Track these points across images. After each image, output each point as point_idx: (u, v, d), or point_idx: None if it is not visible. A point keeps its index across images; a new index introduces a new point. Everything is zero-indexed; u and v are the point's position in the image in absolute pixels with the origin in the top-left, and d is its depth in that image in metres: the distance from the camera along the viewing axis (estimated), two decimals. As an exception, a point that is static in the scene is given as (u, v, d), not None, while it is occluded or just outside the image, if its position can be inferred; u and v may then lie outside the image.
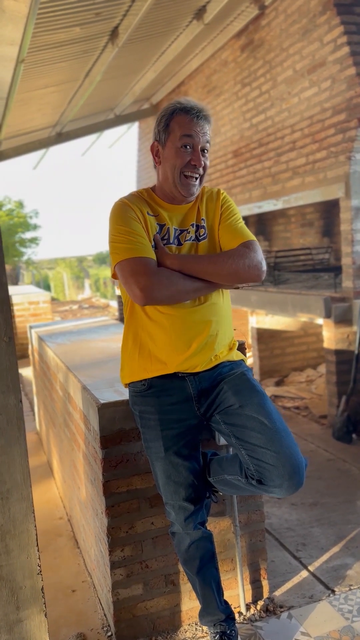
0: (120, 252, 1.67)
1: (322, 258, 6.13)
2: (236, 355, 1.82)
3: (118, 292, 10.51)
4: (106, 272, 27.33)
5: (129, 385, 1.84)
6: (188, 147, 1.69)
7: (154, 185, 1.84)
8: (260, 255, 1.74)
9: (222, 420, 1.72)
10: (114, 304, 15.60)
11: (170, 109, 1.72)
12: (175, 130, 1.69)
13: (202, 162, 1.71)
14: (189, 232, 1.76)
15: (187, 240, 1.76)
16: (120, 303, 10.43)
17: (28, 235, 23.01)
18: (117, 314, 11.30)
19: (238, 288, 1.82)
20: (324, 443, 3.97)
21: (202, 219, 1.78)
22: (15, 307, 8.13)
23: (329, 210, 6.40)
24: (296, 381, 5.68)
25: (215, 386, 1.74)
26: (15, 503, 1.66)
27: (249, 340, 6.14)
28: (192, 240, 1.76)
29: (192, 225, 1.77)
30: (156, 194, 1.80)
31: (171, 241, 1.74)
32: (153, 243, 1.72)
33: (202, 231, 1.77)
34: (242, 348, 5.57)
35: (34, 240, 23.61)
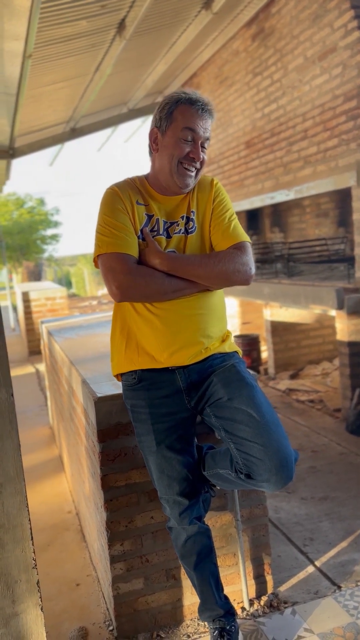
0: (102, 245, 1.66)
1: (338, 249, 6.02)
2: (229, 347, 1.78)
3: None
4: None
5: (122, 379, 1.82)
6: (189, 139, 1.65)
7: (147, 174, 1.79)
8: (250, 259, 1.70)
9: (213, 413, 1.68)
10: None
11: (175, 98, 1.68)
12: (178, 120, 1.65)
13: (201, 157, 1.68)
14: (178, 225, 1.72)
15: (175, 232, 1.72)
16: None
17: (49, 232, 23.19)
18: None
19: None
20: (337, 436, 3.91)
21: (192, 212, 1.74)
22: (32, 303, 8.20)
23: (343, 200, 6.27)
24: (311, 374, 5.60)
25: (206, 379, 1.71)
26: (8, 497, 1.66)
27: (264, 334, 6.08)
28: (182, 233, 1.72)
29: (182, 217, 1.73)
30: (149, 183, 1.76)
31: (160, 232, 1.71)
32: (140, 234, 1.69)
33: (191, 224, 1.73)
34: (256, 341, 5.50)
35: (54, 237, 23.80)
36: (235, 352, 1.80)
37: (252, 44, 5.79)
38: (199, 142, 1.67)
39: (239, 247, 1.70)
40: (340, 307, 4.07)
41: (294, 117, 5.14)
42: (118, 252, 1.62)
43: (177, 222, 1.73)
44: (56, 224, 23.78)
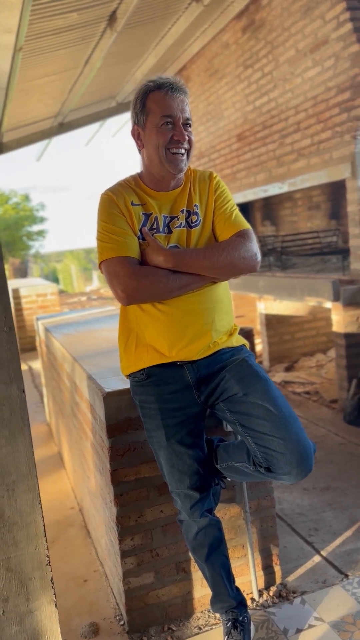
0: (103, 251, 1.65)
1: (330, 241, 6.05)
2: (237, 341, 1.78)
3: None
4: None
5: (129, 375, 1.82)
6: (169, 124, 1.63)
7: (140, 172, 1.77)
8: (255, 245, 1.69)
9: (227, 408, 1.68)
10: (122, 294, 15.56)
11: (143, 89, 1.66)
12: (153, 109, 1.63)
13: (186, 136, 1.65)
14: (178, 219, 1.70)
15: (177, 227, 1.69)
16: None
17: (35, 228, 23.03)
18: (125, 304, 11.27)
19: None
20: (335, 427, 3.94)
21: (195, 205, 1.72)
22: (23, 300, 8.14)
23: (335, 192, 6.30)
24: (306, 366, 5.63)
25: (216, 373, 1.70)
26: (21, 494, 1.65)
27: (258, 327, 6.10)
28: (183, 227, 1.70)
29: (182, 211, 1.71)
30: (143, 181, 1.73)
31: (160, 230, 1.69)
32: (140, 234, 1.67)
33: (194, 218, 1.71)
34: (250, 335, 5.55)
35: (40, 233, 23.63)
36: (243, 345, 1.79)
37: (242, 36, 5.77)
38: (180, 122, 1.64)
39: (243, 235, 1.69)
40: (336, 298, 4.09)
41: (286, 110, 5.14)
42: (119, 256, 1.61)
43: (177, 216, 1.70)
44: (42, 220, 23.60)
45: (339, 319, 4.16)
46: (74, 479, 3.21)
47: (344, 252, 4.75)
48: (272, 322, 5.68)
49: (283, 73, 5.13)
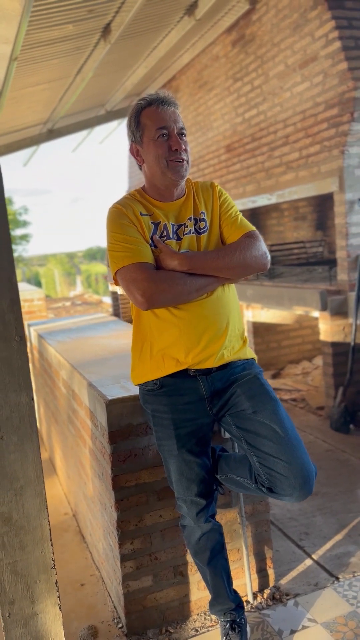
0: (118, 260, 1.69)
1: (316, 251, 6.18)
2: (248, 353, 1.84)
3: (112, 288, 10.51)
4: (97, 268, 27.24)
5: (140, 384, 1.86)
6: (164, 135, 1.70)
7: (143, 186, 1.84)
8: (264, 245, 1.77)
9: (234, 423, 1.74)
10: (107, 299, 15.61)
11: (135, 108, 1.75)
12: (147, 124, 1.71)
13: (183, 145, 1.72)
14: (186, 226, 1.76)
15: (186, 234, 1.76)
16: (115, 299, 10.44)
17: (18, 232, 22.89)
18: (110, 310, 11.30)
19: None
20: (322, 434, 4.03)
21: (202, 212, 1.79)
22: (9, 305, 8.09)
23: (321, 204, 6.44)
24: (292, 374, 5.73)
25: (228, 387, 1.76)
26: (29, 499, 1.69)
27: (245, 334, 6.18)
28: (192, 234, 1.76)
29: (190, 218, 1.77)
30: (147, 194, 1.80)
31: (170, 236, 1.75)
32: (151, 242, 1.73)
33: (202, 224, 1.78)
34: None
35: (24, 237, 23.50)
36: (253, 359, 1.86)
37: (232, 50, 5.89)
38: (175, 132, 1.71)
39: (251, 236, 1.76)
40: (324, 308, 4.19)
41: (275, 123, 5.25)
42: (136, 262, 1.66)
43: (184, 223, 1.77)
44: (25, 224, 23.49)
45: (327, 328, 4.27)
46: (68, 484, 3.24)
47: (331, 263, 4.87)
48: (260, 330, 5.78)
49: (272, 87, 5.25)
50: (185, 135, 1.75)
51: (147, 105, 1.72)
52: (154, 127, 1.70)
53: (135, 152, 1.79)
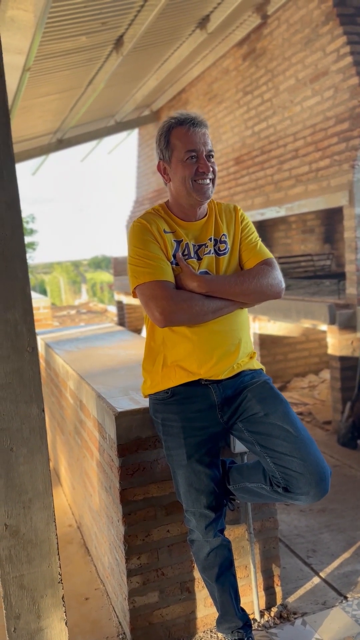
0: (139, 276, 1.71)
1: (324, 264, 6.17)
2: (256, 365, 1.86)
3: (117, 297, 10.52)
4: (102, 276, 27.32)
5: (150, 394, 1.86)
6: (193, 157, 1.73)
7: (167, 201, 1.87)
8: (279, 273, 1.80)
9: (246, 428, 1.74)
10: (112, 308, 15.63)
11: (166, 126, 1.77)
12: (177, 145, 1.73)
13: (210, 167, 1.75)
14: (207, 247, 1.79)
15: (206, 254, 1.78)
16: (120, 308, 10.45)
17: (24, 240, 23.00)
18: (116, 319, 11.31)
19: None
20: (329, 449, 4.00)
21: (224, 234, 1.81)
22: (15, 313, 8.09)
23: (330, 217, 6.44)
24: (298, 387, 5.70)
25: (239, 394, 1.77)
26: (37, 512, 1.67)
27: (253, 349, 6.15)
28: (212, 254, 1.79)
29: (210, 239, 1.80)
30: (171, 211, 1.83)
31: (192, 256, 1.77)
32: (173, 260, 1.74)
33: (222, 246, 1.80)
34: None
35: (30, 245, 23.60)
36: (261, 369, 1.87)
37: (242, 63, 5.92)
38: (203, 155, 1.74)
39: (269, 263, 1.80)
40: (332, 322, 4.18)
41: (284, 137, 5.27)
42: (157, 280, 1.68)
43: (205, 244, 1.79)
44: (31, 232, 23.60)
45: (335, 342, 4.25)
46: (73, 496, 3.22)
47: (339, 276, 4.86)
48: (266, 342, 5.76)
49: (282, 101, 5.27)
50: (213, 157, 1.78)
51: (177, 125, 1.74)
52: (183, 149, 1.72)
53: (162, 170, 1.81)
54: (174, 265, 1.74)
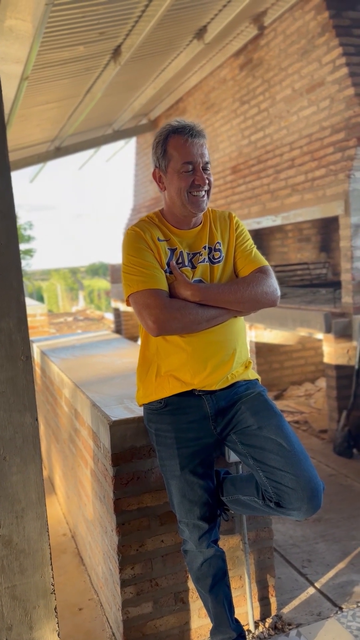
0: (133, 284, 1.70)
1: (320, 273, 6.19)
2: (251, 375, 1.84)
3: (114, 304, 10.53)
4: (99, 283, 27.33)
5: (144, 404, 1.86)
6: (190, 170, 1.71)
7: (162, 209, 1.86)
8: (275, 281, 1.78)
9: (239, 440, 1.73)
10: (109, 316, 15.62)
11: (164, 134, 1.75)
12: (174, 155, 1.71)
13: (206, 180, 1.73)
14: (201, 255, 1.78)
15: (200, 262, 1.78)
16: (117, 315, 10.44)
17: (22, 247, 23.03)
18: (112, 326, 11.30)
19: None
20: (325, 458, 3.99)
21: (218, 242, 1.80)
22: (12, 320, 8.08)
23: (326, 226, 6.47)
24: (295, 395, 5.70)
25: (232, 405, 1.76)
26: (30, 522, 1.66)
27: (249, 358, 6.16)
28: (206, 262, 1.78)
29: (205, 247, 1.79)
30: (166, 219, 1.82)
31: (186, 264, 1.77)
32: (167, 268, 1.74)
33: (217, 254, 1.79)
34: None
35: (28, 252, 23.63)
36: (257, 379, 1.86)
37: (239, 73, 5.97)
38: (200, 167, 1.72)
39: (263, 271, 1.78)
40: (328, 330, 4.18)
41: (281, 146, 5.30)
42: (150, 289, 1.67)
43: (199, 252, 1.78)
44: (29, 239, 23.64)
45: (331, 351, 4.25)
46: (67, 505, 3.20)
47: (335, 285, 4.87)
48: (262, 350, 5.76)
49: (279, 110, 5.31)
50: (209, 169, 1.76)
51: (175, 133, 1.72)
52: (180, 161, 1.70)
53: (158, 178, 1.80)
54: (168, 274, 1.73)
